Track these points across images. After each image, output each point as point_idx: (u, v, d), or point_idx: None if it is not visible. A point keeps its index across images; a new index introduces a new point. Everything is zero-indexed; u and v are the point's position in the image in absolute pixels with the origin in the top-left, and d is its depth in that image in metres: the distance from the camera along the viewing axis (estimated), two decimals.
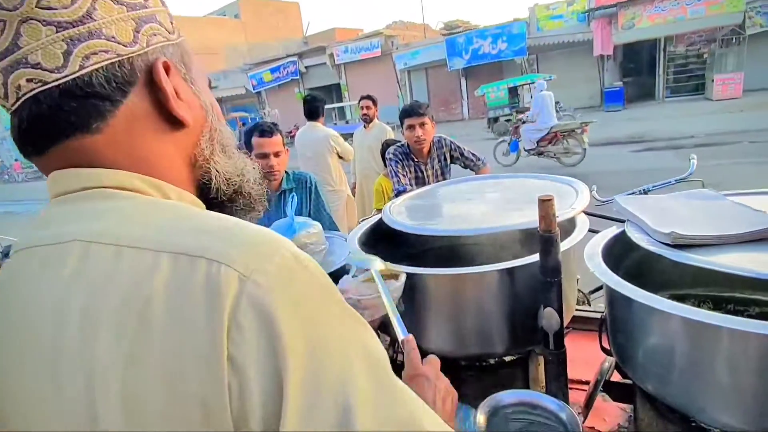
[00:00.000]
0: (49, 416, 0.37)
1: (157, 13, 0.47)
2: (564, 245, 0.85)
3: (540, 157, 8.26)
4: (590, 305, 1.76)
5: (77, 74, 0.41)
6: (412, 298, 0.91)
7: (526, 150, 8.35)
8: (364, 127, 4.10)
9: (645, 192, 2.31)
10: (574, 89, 16.74)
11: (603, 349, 0.88)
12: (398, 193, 2.36)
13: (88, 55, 0.42)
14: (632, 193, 2.13)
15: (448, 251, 1.33)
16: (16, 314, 0.41)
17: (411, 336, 0.69)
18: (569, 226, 1.03)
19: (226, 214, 0.46)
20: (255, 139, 1.92)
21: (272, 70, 22.57)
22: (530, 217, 0.89)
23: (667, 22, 14.16)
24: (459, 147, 2.66)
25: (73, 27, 0.41)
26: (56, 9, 0.41)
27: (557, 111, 12.86)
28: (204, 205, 0.51)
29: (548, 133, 7.98)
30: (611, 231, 0.95)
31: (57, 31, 0.41)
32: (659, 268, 0.92)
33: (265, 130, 1.91)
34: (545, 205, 0.76)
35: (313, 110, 3.83)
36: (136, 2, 0.45)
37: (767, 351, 0.57)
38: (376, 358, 0.39)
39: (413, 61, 19.06)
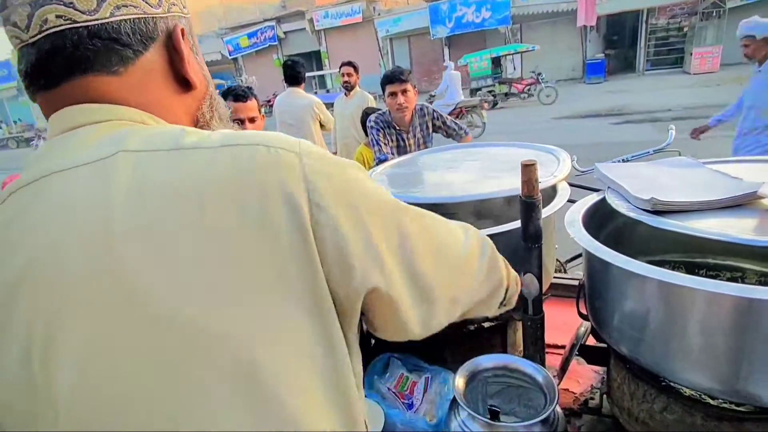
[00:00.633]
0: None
1: None
2: (545, 212, 0.85)
3: None
4: (567, 273, 1.80)
5: (107, 20, 0.45)
6: None
7: None
8: (345, 95, 3.99)
9: (625, 161, 2.34)
10: (557, 60, 16.68)
11: (580, 314, 0.90)
12: (379, 162, 2.32)
13: (119, 6, 0.46)
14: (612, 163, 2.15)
15: None
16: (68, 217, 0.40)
17: None
18: (551, 193, 1.02)
19: None
20: (229, 104, 1.84)
21: (249, 35, 21.66)
22: (513, 184, 0.88)
23: None
24: (441, 116, 2.62)
25: None
26: None
27: (539, 82, 12.90)
28: None
29: (455, 108, 9.11)
30: (591, 198, 0.95)
31: None
32: (637, 235, 0.93)
33: (240, 95, 1.84)
34: (528, 169, 0.75)
35: (294, 75, 3.70)
36: None
37: (736, 313, 0.59)
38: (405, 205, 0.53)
39: (396, 28, 18.57)
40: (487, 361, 0.80)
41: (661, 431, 0.73)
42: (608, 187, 0.91)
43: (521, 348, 0.92)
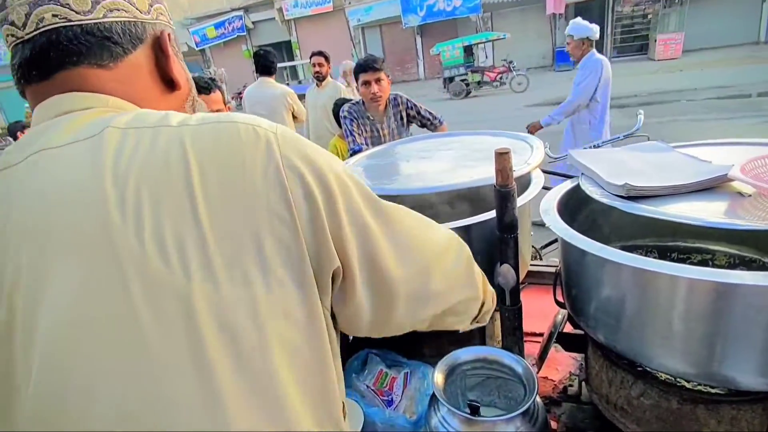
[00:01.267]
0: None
1: (162, 1, 0.57)
2: (520, 201, 0.84)
3: None
4: (542, 260, 1.81)
5: (100, 20, 0.49)
6: None
7: None
8: (317, 85, 3.91)
9: (596, 147, 2.37)
10: (528, 48, 16.85)
11: (557, 302, 0.89)
12: (353, 153, 2.28)
13: (111, 9, 0.50)
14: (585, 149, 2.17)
15: None
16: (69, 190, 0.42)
17: None
18: (525, 180, 1.01)
19: None
20: None
21: (216, 26, 21.00)
22: (487, 173, 0.86)
23: None
24: (416, 105, 2.59)
25: None
26: None
27: (511, 70, 13.01)
28: None
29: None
30: (566, 185, 0.94)
31: None
32: (611, 221, 0.93)
33: (203, 87, 1.75)
34: (502, 158, 0.73)
35: (267, 65, 3.60)
36: None
37: (710, 297, 0.59)
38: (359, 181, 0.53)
39: (367, 17, 18.35)
40: (466, 354, 0.79)
41: (638, 417, 0.73)
42: (582, 174, 0.90)
43: (500, 339, 0.91)
